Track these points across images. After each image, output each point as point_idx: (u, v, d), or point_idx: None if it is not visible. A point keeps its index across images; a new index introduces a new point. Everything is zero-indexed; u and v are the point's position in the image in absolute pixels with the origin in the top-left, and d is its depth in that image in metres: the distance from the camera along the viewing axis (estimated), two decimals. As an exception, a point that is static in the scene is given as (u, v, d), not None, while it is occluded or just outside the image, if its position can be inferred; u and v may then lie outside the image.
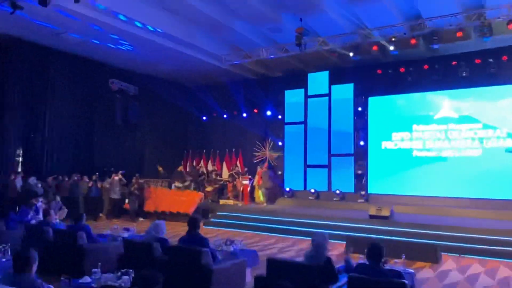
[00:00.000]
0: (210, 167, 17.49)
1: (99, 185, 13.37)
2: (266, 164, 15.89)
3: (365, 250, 4.08)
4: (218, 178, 16.14)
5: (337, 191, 14.13)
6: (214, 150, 17.96)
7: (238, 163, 16.97)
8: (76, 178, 12.93)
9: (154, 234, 5.50)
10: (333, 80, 14.91)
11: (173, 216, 13.28)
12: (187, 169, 17.87)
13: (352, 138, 14.49)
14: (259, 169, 15.15)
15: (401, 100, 14.13)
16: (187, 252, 5.08)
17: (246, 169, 16.27)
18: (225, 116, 17.86)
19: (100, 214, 13.72)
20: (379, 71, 14.19)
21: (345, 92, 14.64)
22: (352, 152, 14.46)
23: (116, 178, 13.63)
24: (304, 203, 14.35)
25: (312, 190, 14.64)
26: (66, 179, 13.13)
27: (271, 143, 16.45)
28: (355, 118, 14.52)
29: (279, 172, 16.01)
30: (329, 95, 15.00)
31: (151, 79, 16.75)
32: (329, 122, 14.93)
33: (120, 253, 5.84)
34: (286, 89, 15.97)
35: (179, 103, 17.80)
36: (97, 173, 13.58)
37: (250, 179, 14.41)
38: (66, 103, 14.12)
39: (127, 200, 13.30)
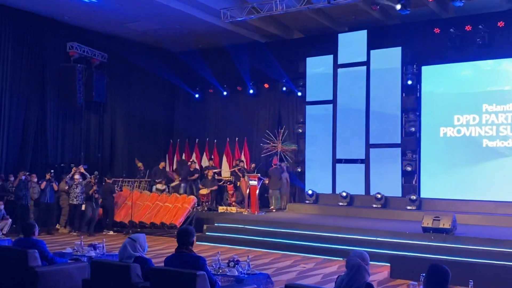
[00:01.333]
0: (205, 163, 17.52)
1: (54, 186, 13.44)
2: (276, 159, 15.96)
3: (422, 275, 4.02)
4: (216, 177, 16.17)
5: (378, 195, 14.11)
6: (210, 139, 17.97)
7: (243, 157, 16.99)
8: (23, 177, 13.02)
9: (132, 252, 5.48)
10: (373, 43, 14.82)
11: (155, 229, 13.35)
12: (174, 166, 17.96)
13: (399, 123, 14.41)
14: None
15: (467, 70, 13.98)
16: (176, 277, 5.07)
17: (253, 164, 16.31)
18: (225, 93, 17.86)
19: (57, 226, 13.82)
20: (436, 30, 14.05)
21: (389, 59, 14.54)
22: (399, 141, 14.40)
23: (77, 176, 13.71)
24: (333, 211, 14.37)
25: (344, 194, 14.66)
26: (12, 178, 13.21)
27: (285, 132, 16.46)
28: (403, 95, 14.44)
29: (299, 169, 16.01)
30: (367, 63, 14.91)
31: (123, 43, 16.73)
32: (367, 101, 14.87)
33: (85, 279, 5.85)
34: (308, 56, 15.92)
35: (163, 76, 17.81)
36: (51, 171, 13.63)
37: (259, 179, 14.40)
38: (7, 75, 14.14)
39: (83, 207, 13.37)
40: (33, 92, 14.83)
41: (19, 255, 6.14)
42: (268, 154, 16.42)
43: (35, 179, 13.33)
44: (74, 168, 14.10)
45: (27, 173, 13.30)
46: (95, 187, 13.42)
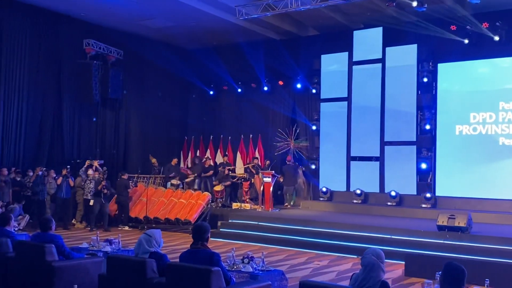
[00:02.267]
0: (219, 159, 17.57)
1: (70, 182, 13.58)
2: (289, 156, 15.95)
3: (437, 274, 4.00)
4: (231, 173, 16.20)
5: (393, 193, 14.08)
6: (224, 136, 18.02)
7: (257, 154, 16.99)
8: (40, 173, 13.17)
9: (147, 247, 5.52)
10: (388, 41, 14.75)
11: (170, 225, 13.44)
12: (189, 162, 18.04)
13: (415, 120, 14.34)
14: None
15: (483, 68, 13.84)
16: (191, 272, 5.10)
17: (268, 161, 16.31)
18: (239, 90, 17.92)
19: (73, 221, 13.98)
20: (453, 28, 13.89)
21: (405, 56, 14.48)
22: (414, 139, 14.34)
23: (90, 171, 13.83)
24: (347, 209, 14.37)
25: (358, 191, 14.64)
26: (31, 173, 13.37)
27: (297, 130, 16.43)
28: (419, 92, 14.35)
29: (313, 166, 16.00)
30: (382, 60, 14.84)
31: (139, 40, 16.82)
32: (382, 99, 14.81)
33: (102, 274, 5.90)
34: (323, 53, 15.89)
35: (178, 73, 17.87)
36: (68, 166, 13.79)
37: (273, 176, 14.41)
38: (24, 72, 14.32)
39: (91, 202, 13.44)
40: (50, 88, 15.00)
41: (36, 250, 6.20)
42: (283, 152, 16.40)
43: (54, 175, 13.47)
44: (87, 161, 14.22)
45: (44, 168, 13.47)
46: (103, 183, 13.47)
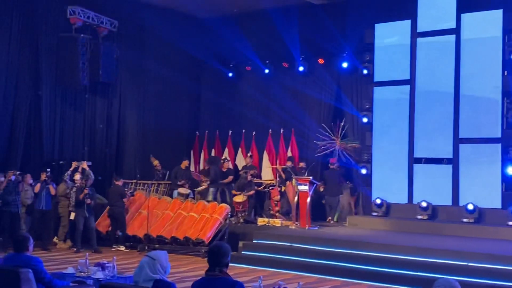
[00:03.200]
0: (241, 161, 17.55)
1: (51, 190, 13.68)
2: (333, 159, 15.97)
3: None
4: (255, 180, 16.19)
5: (470, 206, 13.91)
6: (247, 130, 18.04)
7: (290, 153, 16.95)
8: (13, 178, 13.31)
9: (150, 274, 5.52)
10: (465, 5, 14.61)
11: (178, 245, 13.48)
12: (201, 165, 18.07)
13: (500, 110, 14.14)
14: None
15: None
16: (208, 309, 5.08)
17: (302, 164, 16.24)
18: (266, 71, 17.92)
19: (55, 239, 14.09)
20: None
21: (487, 26, 14.33)
22: (499, 135, 14.17)
23: (78, 176, 13.92)
24: (409, 227, 14.29)
25: (424, 204, 14.50)
26: (2, 179, 13.52)
27: (345, 125, 16.38)
28: (505, 73, 14.16)
29: (363, 171, 15.90)
30: (457, 31, 14.71)
31: (138, 8, 16.91)
32: (456, 82, 14.68)
33: (92, 307, 5.93)
34: (378, 22, 15.78)
35: (188, 49, 17.95)
36: (48, 170, 13.88)
37: (311, 183, 14.34)
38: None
39: (72, 216, 13.47)
40: (24, 70, 15.09)
41: (8, 276, 6.24)
42: (324, 153, 16.36)
43: (30, 181, 13.59)
44: (74, 163, 14.34)
45: (18, 172, 13.51)
46: (86, 190, 13.52)
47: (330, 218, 15.39)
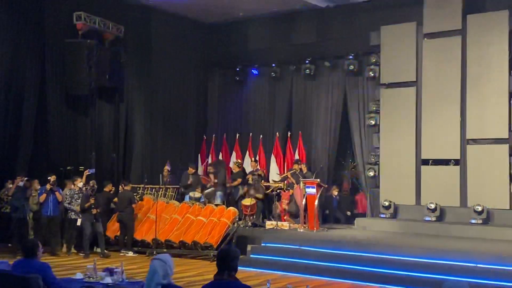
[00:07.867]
0: (248, 164, 17.54)
1: (58, 196, 13.66)
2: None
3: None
4: (263, 183, 16.18)
5: (478, 207, 13.86)
6: (254, 133, 18.05)
7: (297, 155, 16.93)
8: (21, 183, 13.31)
9: (161, 278, 5.56)
10: (471, 5, 14.65)
11: (186, 249, 13.49)
12: (208, 168, 18.08)
13: (507, 110, 14.09)
14: None
15: None
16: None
17: (306, 169, 16.17)
18: (273, 74, 17.83)
19: (63, 245, 14.10)
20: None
21: (493, 26, 14.28)
22: (506, 135, 14.12)
23: (79, 182, 13.91)
24: (417, 229, 14.29)
25: (431, 206, 14.50)
26: (10, 186, 13.53)
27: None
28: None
29: (371, 173, 15.88)
30: (463, 32, 14.69)
31: (144, 13, 16.94)
32: (462, 82, 14.66)
33: (101, 313, 5.94)
34: (384, 24, 15.74)
35: (195, 54, 17.95)
36: (54, 176, 13.82)
37: (320, 186, 14.33)
38: (-1, 56, 14.53)
39: (79, 222, 13.48)
40: (31, 76, 15.11)
41: (18, 282, 6.25)
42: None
43: (38, 186, 13.55)
44: (86, 172, 14.28)
45: (25, 178, 13.55)
46: (92, 200, 13.40)
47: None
